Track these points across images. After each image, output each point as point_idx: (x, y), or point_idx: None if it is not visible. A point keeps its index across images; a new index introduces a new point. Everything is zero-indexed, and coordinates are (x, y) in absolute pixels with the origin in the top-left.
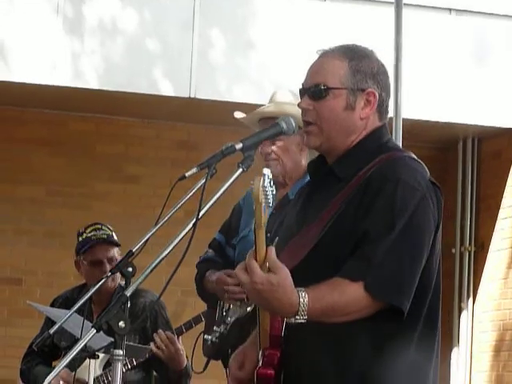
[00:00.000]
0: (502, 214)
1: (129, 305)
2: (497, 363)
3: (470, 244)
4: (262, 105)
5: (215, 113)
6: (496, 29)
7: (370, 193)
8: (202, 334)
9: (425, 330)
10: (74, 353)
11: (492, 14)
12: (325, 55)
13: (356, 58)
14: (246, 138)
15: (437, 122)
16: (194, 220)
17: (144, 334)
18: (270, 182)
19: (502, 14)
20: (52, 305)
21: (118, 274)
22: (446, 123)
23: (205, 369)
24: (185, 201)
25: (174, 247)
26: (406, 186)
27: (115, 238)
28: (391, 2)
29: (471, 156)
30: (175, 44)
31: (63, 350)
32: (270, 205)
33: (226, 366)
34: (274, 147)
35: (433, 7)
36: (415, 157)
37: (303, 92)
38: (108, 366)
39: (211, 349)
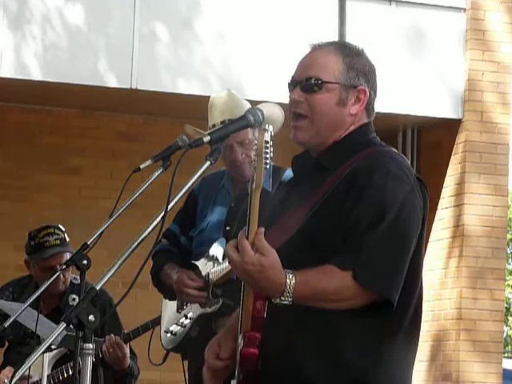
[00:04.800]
0: (442, 203)
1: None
2: (438, 353)
3: None
4: (202, 96)
5: (155, 104)
6: (435, 20)
7: (359, 183)
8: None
9: (410, 325)
10: (43, 348)
11: (431, 5)
12: (318, 49)
13: (350, 55)
14: (214, 131)
15: (376, 113)
16: (163, 213)
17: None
18: (271, 140)
19: (440, 5)
20: None
21: (68, 275)
22: (385, 113)
23: (164, 361)
24: (139, 193)
25: (143, 239)
26: (395, 177)
27: (67, 240)
28: None
29: (411, 146)
30: (118, 36)
31: (10, 344)
32: (268, 166)
33: (184, 358)
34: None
35: None
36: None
37: (294, 84)
38: (58, 365)
39: (172, 341)
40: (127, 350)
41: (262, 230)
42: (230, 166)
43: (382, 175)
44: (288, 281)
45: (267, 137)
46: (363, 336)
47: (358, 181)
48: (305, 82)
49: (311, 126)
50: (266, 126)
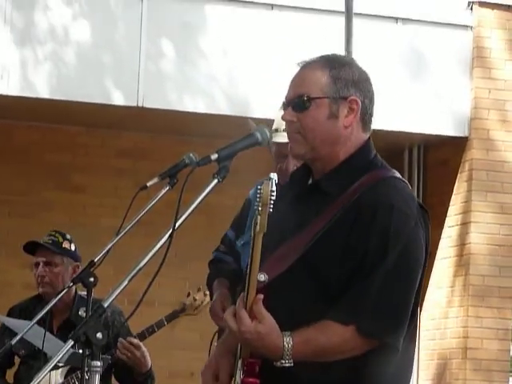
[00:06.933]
0: (448, 222)
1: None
2: (444, 372)
3: None
4: (208, 114)
5: (161, 121)
6: (442, 38)
7: (363, 220)
8: (215, 334)
9: (408, 342)
10: (50, 367)
11: (438, 22)
12: (305, 67)
13: (336, 66)
14: (222, 149)
15: (382, 131)
16: (171, 230)
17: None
18: (275, 188)
19: (446, 23)
20: (8, 315)
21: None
22: (391, 131)
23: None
24: (146, 211)
25: (150, 258)
26: (399, 213)
27: (64, 246)
28: (341, 12)
29: (417, 164)
30: (124, 53)
31: (23, 359)
32: (271, 210)
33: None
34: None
35: (380, 16)
36: (400, 176)
37: (286, 105)
38: (70, 373)
39: None
40: (144, 348)
41: (261, 296)
42: (282, 176)
43: (387, 212)
44: (286, 344)
45: (271, 186)
46: (363, 360)
47: (362, 217)
48: (294, 102)
49: (305, 141)
50: (271, 174)
